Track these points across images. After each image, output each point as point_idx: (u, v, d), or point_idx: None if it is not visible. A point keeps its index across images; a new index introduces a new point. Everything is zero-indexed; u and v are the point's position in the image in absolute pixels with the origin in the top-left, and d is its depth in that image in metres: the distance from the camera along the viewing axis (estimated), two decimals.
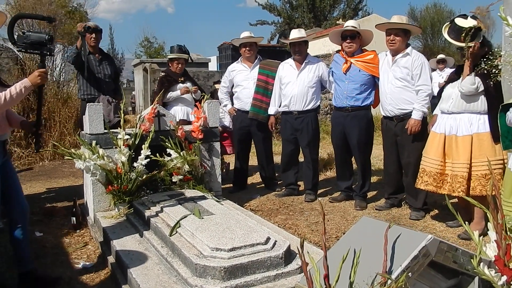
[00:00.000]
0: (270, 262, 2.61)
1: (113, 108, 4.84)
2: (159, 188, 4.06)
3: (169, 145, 4.14)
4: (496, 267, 2.12)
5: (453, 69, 9.18)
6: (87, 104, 4.09)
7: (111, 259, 3.21)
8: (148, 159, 3.94)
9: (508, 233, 2.23)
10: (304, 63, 4.92)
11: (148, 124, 4.17)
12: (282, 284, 2.53)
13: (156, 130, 4.18)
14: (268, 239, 2.77)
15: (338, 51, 4.85)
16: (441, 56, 9.94)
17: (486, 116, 3.60)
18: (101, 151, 3.83)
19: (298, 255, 2.78)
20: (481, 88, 3.54)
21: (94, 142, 3.85)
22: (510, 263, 2.13)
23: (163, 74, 5.59)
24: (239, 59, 5.46)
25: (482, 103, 3.61)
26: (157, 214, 3.36)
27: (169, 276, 2.65)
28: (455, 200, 3.97)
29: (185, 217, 3.13)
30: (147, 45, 31.85)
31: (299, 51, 4.92)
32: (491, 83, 3.44)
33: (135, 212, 3.72)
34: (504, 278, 2.08)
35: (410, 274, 1.84)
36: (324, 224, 1.92)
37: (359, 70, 4.54)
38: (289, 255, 2.74)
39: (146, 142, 3.97)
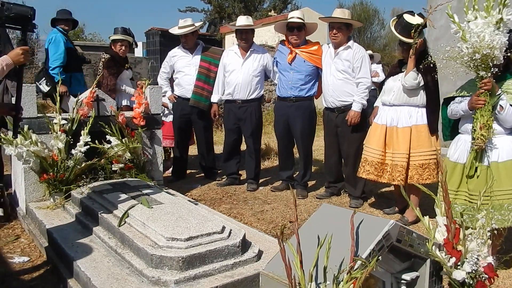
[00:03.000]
0: (228, 250, 2.57)
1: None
2: (99, 177, 3.83)
3: (110, 132, 3.92)
4: (445, 249, 2.26)
5: (379, 65, 9.67)
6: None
7: (50, 252, 2.98)
8: (87, 146, 3.70)
9: (455, 217, 2.39)
10: (249, 52, 4.88)
11: (87, 108, 3.92)
12: (240, 272, 2.50)
13: (96, 116, 3.94)
14: (224, 228, 2.72)
15: (282, 41, 4.87)
16: (369, 52, 10.39)
17: (424, 109, 3.83)
18: (34, 136, 3.54)
19: (252, 243, 2.80)
20: (422, 83, 3.74)
21: (26, 127, 3.53)
22: (458, 246, 2.29)
23: (107, 56, 5.17)
24: (181, 44, 5.27)
25: (421, 97, 3.81)
26: (100, 203, 3.17)
27: (121, 268, 2.52)
28: (392, 188, 4.19)
29: (133, 206, 2.99)
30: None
31: (246, 39, 4.86)
32: (431, 78, 3.65)
33: (74, 202, 3.48)
34: (453, 259, 2.22)
35: (380, 258, 1.89)
36: (295, 212, 1.91)
37: (304, 61, 4.59)
38: (244, 244, 2.71)
39: (85, 128, 3.73)
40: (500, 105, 2.88)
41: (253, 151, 5.04)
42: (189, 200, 3.68)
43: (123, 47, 5.10)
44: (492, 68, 2.79)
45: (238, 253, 2.61)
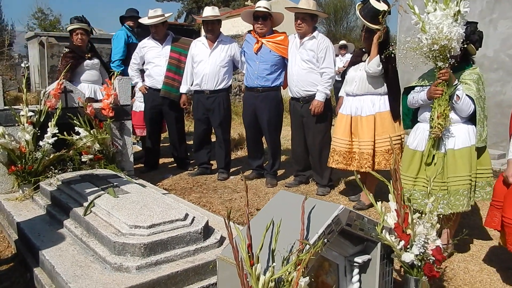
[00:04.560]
0: (190, 237, 2.65)
1: None
2: (68, 168, 3.86)
3: (78, 123, 3.95)
4: (395, 233, 2.39)
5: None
6: None
7: (18, 242, 3.02)
8: (55, 138, 3.73)
9: (405, 202, 2.52)
10: (216, 42, 4.93)
11: (54, 100, 3.93)
12: (201, 258, 2.58)
13: (63, 107, 3.96)
14: (187, 215, 2.80)
15: (249, 31, 4.93)
16: (343, 42, 10.56)
17: (386, 97, 3.95)
18: (1, 129, 3.55)
19: (215, 230, 2.90)
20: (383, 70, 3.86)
21: None
22: (407, 230, 2.42)
23: (66, 50, 5.15)
24: (151, 35, 5.29)
25: (382, 85, 3.94)
26: (68, 194, 3.22)
27: (86, 256, 2.58)
28: (358, 176, 4.31)
29: (99, 196, 3.04)
30: (41, 17, 29.36)
31: (212, 30, 4.90)
32: (391, 66, 3.78)
33: (42, 193, 3.52)
34: (402, 242, 2.35)
35: (326, 240, 2.00)
36: (247, 197, 2.01)
37: (270, 51, 4.66)
38: (207, 230, 2.81)
39: (52, 119, 3.75)
40: (457, 95, 2.99)
41: (223, 141, 5.12)
42: (157, 190, 3.75)
43: (79, 35, 4.97)
44: (450, 59, 2.89)
45: (200, 239, 2.70)
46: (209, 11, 4.92)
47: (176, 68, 5.14)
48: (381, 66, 3.82)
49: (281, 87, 4.87)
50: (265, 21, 4.65)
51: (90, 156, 3.98)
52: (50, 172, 3.63)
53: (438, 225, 2.48)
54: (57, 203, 3.23)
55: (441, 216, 2.58)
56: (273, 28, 4.83)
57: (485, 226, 2.95)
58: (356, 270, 2.37)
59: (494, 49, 6.39)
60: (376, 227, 2.29)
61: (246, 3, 18.21)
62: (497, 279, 2.97)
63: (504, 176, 2.77)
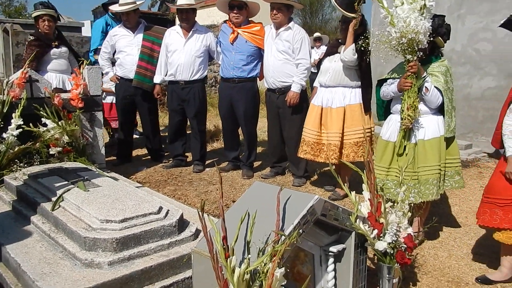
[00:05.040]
0: (164, 230, 2.59)
1: None
2: (35, 161, 3.71)
3: (45, 114, 3.80)
4: (369, 222, 2.40)
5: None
6: None
7: None
8: (20, 130, 3.58)
9: (379, 192, 2.53)
10: (191, 31, 4.82)
11: (19, 90, 3.77)
12: (176, 251, 2.53)
13: (29, 98, 3.80)
14: (161, 208, 2.73)
15: (225, 21, 4.86)
16: (317, 34, 10.57)
17: (358, 90, 3.97)
18: None
19: (191, 223, 2.84)
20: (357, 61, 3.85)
21: None
22: (380, 219, 2.43)
23: (31, 38, 4.92)
24: (122, 23, 5.14)
25: (355, 78, 3.95)
26: (35, 188, 3.09)
27: (54, 252, 2.49)
28: (333, 167, 4.33)
29: (69, 190, 2.93)
30: (5, 3, 28.42)
31: (187, 19, 4.79)
32: (364, 59, 3.78)
33: (7, 188, 3.37)
34: (376, 231, 2.37)
35: (301, 231, 1.98)
36: (221, 189, 1.97)
37: (246, 41, 4.60)
38: (182, 223, 2.75)
39: (17, 110, 3.59)
40: (426, 87, 3.04)
41: (198, 132, 5.03)
42: (130, 183, 3.65)
43: (46, 22, 4.75)
44: (418, 52, 2.93)
45: (175, 232, 2.64)
46: (183, 0, 4.80)
47: (148, 57, 5.02)
48: (356, 55, 3.81)
49: (258, 78, 4.81)
50: (241, 11, 4.58)
51: (59, 149, 3.85)
52: (15, 166, 3.46)
53: (409, 214, 2.52)
54: (23, 198, 3.10)
55: (412, 204, 2.61)
56: (249, 19, 4.76)
57: (480, 224, 2.83)
58: (331, 260, 2.38)
59: (462, 43, 6.51)
60: (350, 216, 2.29)
61: None
62: (465, 264, 3.07)
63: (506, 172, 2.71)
